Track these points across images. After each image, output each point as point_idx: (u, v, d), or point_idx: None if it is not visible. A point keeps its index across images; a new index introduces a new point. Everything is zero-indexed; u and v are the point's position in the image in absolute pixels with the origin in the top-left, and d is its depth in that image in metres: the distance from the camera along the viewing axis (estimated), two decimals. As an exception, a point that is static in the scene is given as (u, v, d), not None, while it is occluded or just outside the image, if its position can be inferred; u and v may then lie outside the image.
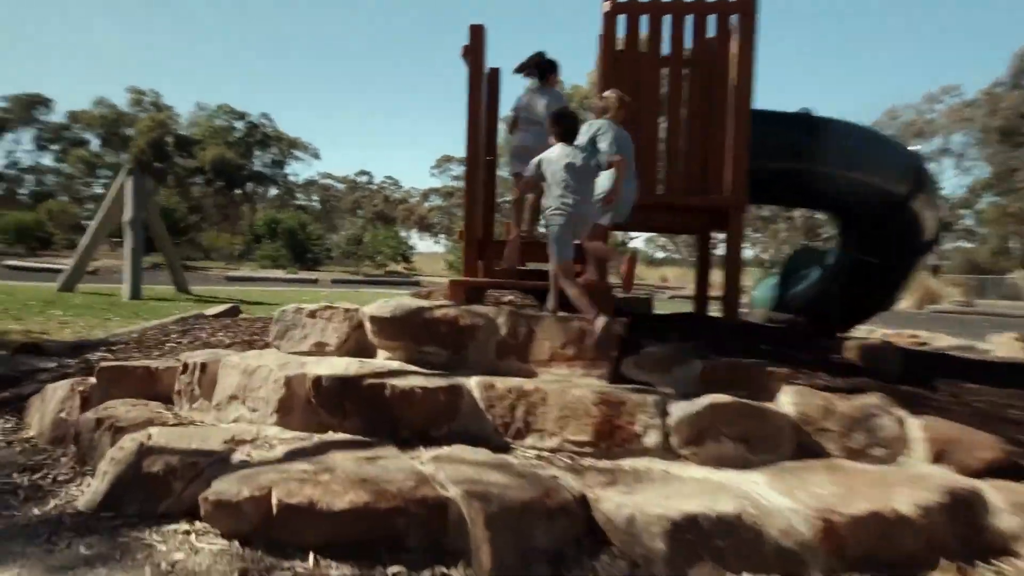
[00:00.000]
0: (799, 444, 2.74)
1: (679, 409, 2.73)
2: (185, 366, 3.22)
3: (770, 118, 4.81)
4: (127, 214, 10.10)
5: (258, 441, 2.76)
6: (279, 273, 21.50)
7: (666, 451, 2.70)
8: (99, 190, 23.82)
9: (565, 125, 3.38)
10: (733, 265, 4.30)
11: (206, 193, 41.08)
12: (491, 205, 4.95)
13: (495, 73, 5.02)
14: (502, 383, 2.93)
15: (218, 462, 2.50)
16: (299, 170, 55.06)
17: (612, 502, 2.23)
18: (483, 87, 4.45)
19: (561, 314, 3.36)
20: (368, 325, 3.39)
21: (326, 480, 2.28)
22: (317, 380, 2.90)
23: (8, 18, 69.23)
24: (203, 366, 3.18)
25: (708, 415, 2.68)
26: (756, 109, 4.31)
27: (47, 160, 43.09)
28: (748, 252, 41.55)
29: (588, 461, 2.68)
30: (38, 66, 74.38)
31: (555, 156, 3.31)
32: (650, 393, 2.87)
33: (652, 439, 2.70)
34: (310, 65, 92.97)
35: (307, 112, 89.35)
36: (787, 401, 2.88)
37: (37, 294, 9.31)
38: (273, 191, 46.42)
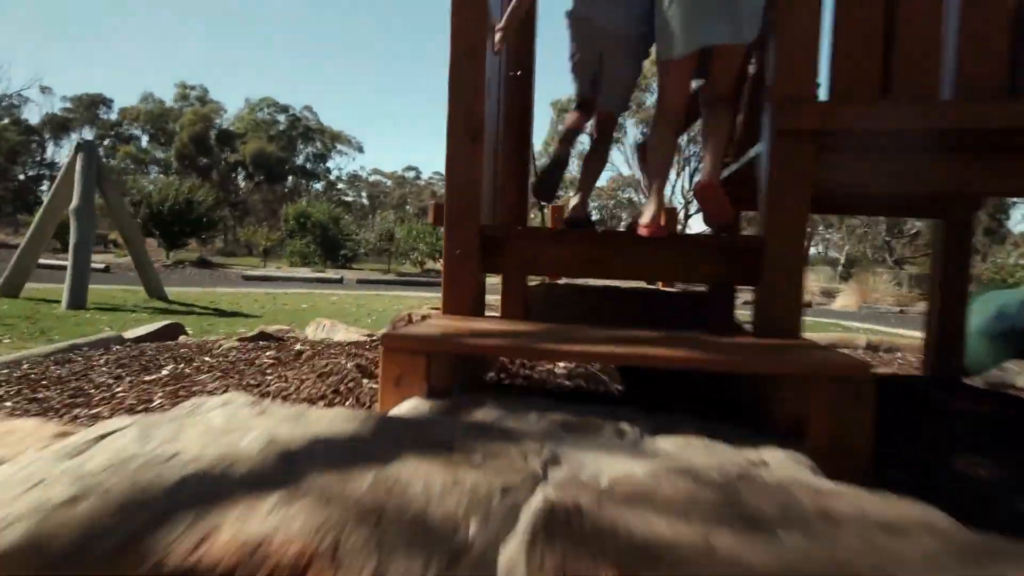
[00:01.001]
0: None
1: None
2: None
3: None
4: (73, 201, 7.91)
5: None
6: (304, 272, 19.42)
7: None
8: (147, 185, 22.45)
9: None
10: None
11: (247, 188, 40.07)
12: (524, 152, 2.33)
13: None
14: None
15: None
16: (342, 164, 54.16)
17: None
18: None
19: None
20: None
21: None
22: None
23: (87, 17, 71.18)
24: None
25: None
26: None
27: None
28: (813, 250, 36.86)
29: None
30: (117, 69, 76.35)
31: None
32: None
33: None
34: (355, 59, 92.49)
35: (352, 108, 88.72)
36: None
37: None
38: (318, 186, 45.10)
